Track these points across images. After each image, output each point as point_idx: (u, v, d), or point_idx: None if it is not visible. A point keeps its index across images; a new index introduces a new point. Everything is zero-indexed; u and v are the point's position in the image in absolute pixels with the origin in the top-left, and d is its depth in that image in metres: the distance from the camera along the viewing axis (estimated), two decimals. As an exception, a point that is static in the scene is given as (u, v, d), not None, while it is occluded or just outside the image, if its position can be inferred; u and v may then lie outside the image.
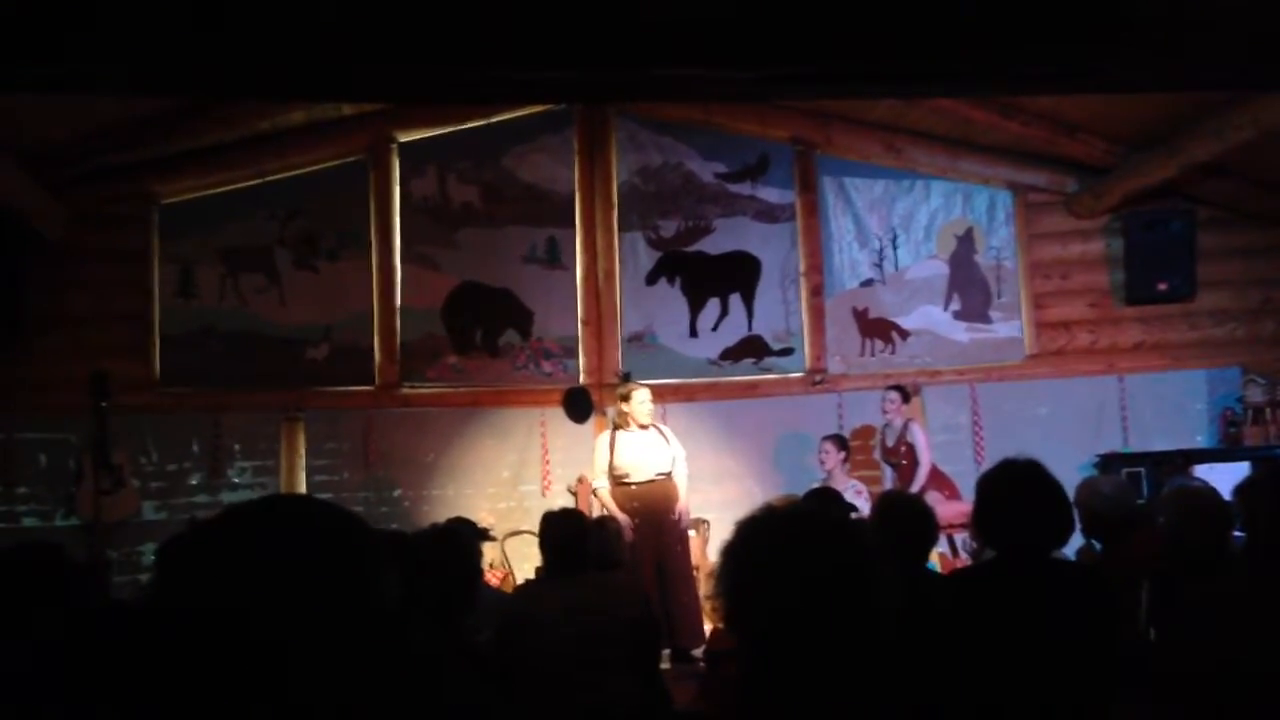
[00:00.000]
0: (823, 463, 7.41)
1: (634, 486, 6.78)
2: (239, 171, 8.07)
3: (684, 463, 6.95)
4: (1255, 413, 7.75)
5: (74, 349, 7.59)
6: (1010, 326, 8.38)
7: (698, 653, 6.30)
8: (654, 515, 6.72)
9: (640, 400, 6.92)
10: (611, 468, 6.83)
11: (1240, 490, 3.28)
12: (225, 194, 8.10)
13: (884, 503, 4.03)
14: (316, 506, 1.19)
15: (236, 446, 7.92)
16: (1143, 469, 7.20)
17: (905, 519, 3.64)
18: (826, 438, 7.53)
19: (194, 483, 7.84)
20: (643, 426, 6.90)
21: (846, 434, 7.98)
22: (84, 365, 7.29)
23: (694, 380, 8.35)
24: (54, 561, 3.36)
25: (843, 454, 7.44)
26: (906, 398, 7.59)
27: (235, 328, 8.06)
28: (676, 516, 6.76)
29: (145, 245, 8.01)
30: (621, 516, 6.79)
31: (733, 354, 8.44)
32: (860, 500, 7.11)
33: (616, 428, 6.97)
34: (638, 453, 6.83)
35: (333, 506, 1.19)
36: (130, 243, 7.98)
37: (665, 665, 6.09)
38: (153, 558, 7.15)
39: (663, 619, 6.48)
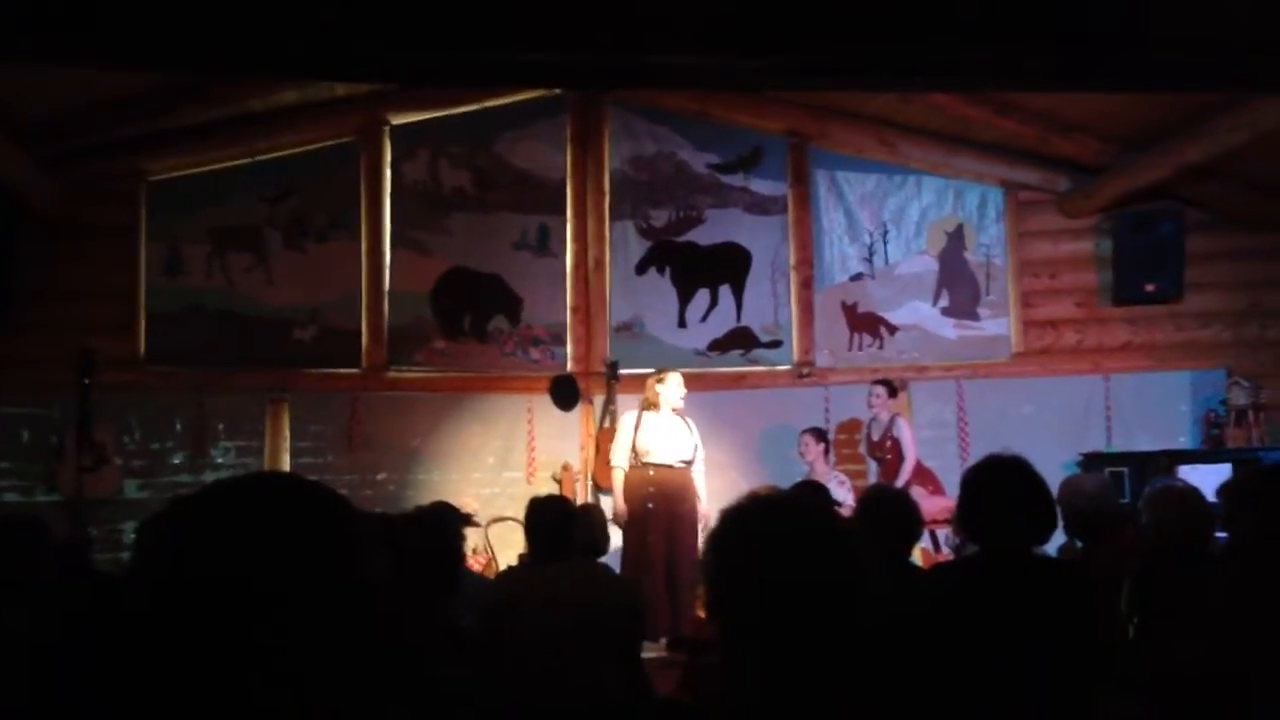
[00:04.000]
0: (803, 455, 7.43)
1: (652, 470, 6.81)
2: (229, 150, 8.02)
3: (702, 460, 7.00)
4: (1238, 415, 7.78)
5: (59, 325, 7.54)
6: (998, 324, 8.40)
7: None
8: (668, 501, 6.75)
9: (674, 384, 6.99)
10: (634, 447, 6.86)
11: (1223, 491, 3.31)
12: (215, 173, 8.05)
13: (870, 497, 4.04)
14: (302, 483, 1.18)
15: (220, 426, 7.89)
16: (1126, 469, 7.23)
17: (890, 513, 3.65)
18: (806, 430, 7.56)
19: (176, 462, 7.81)
20: (674, 411, 6.94)
21: (832, 427, 8.00)
22: (69, 341, 7.26)
23: (682, 370, 8.34)
24: (36, 536, 3.35)
25: (822, 446, 7.47)
26: (893, 392, 7.60)
27: (222, 307, 8.02)
28: (691, 507, 6.77)
29: (133, 222, 7.97)
30: (621, 506, 6.82)
31: (721, 345, 8.44)
32: (844, 492, 7.14)
33: (646, 407, 7.01)
34: (662, 436, 6.88)
35: (318, 485, 1.19)
36: (118, 219, 7.93)
37: (663, 653, 6.12)
38: (134, 535, 7.13)
39: (669, 606, 6.51)
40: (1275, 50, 3.82)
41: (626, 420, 7.10)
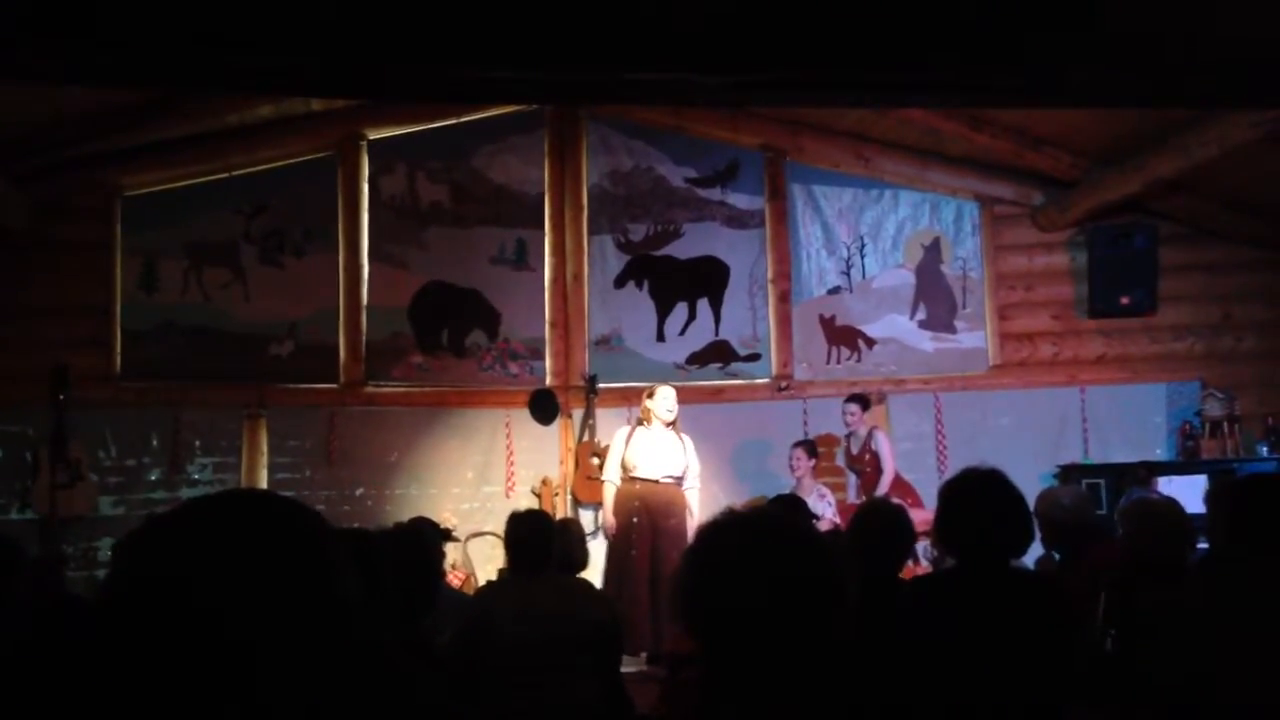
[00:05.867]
0: (793, 469, 7.41)
1: (639, 484, 6.80)
2: (205, 165, 7.99)
3: (696, 477, 6.98)
4: (1213, 426, 7.84)
5: (34, 341, 7.48)
6: (975, 337, 8.44)
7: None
8: (654, 516, 6.73)
9: (662, 397, 6.99)
10: (623, 461, 6.86)
11: (1205, 499, 3.34)
12: (191, 187, 8.01)
13: (864, 510, 4.05)
14: (276, 500, 1.18)
15: (197, 443, 7.82)
16: (1102, 480, 7.27)
17: (883, 527, 3.66)
18: (797, 444, 7.54)
19: (153, 478, 7.74)
20: (667, 425, 6.93)
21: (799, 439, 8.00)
22: (44, 357, 7.20)
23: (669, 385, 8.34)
24: (11, 555, 3.32)
25: (812, 461, 7.46)
26: (866, 405, 7.60)
27: (198, 322, 7.96)
28: (678, 522, 6.74)
29: (108, 237, 7.91)
30: (610, 520, 6.82)
31: (699, 359, 8.45)
32: (824, 505, 7.15)
33: (639, 423, 7.02)
34: (651, 450, 6.88)
35: (292, 501, 1.19)
36: (93, 235, 7.87)
37: (643, 668, 6.10)
38: (109, 553, 7.07)
39: (650, 621, 6.50)
40: (1246, 66, 3.87)
41: (619, 435, 7.12)
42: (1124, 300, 8.06)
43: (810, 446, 7.55)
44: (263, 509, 1.15)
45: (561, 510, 7.84)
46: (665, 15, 3.46)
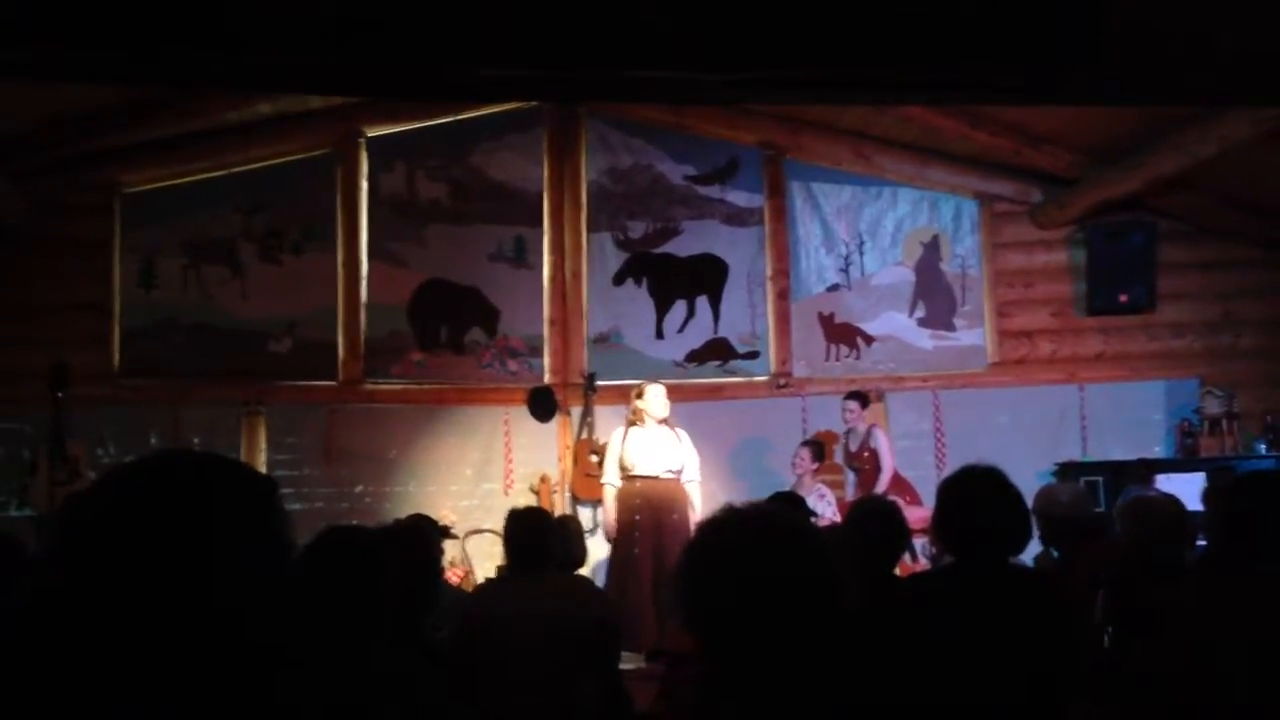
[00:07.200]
0: (795, 467, 7.40)
1: (639, 482, 6.79)
2: (204, 162, 7.99)
3: (696, 470, 6.96)
4: (1212, 424, 7.85)
5: (33, 339, 7.48)
6: (974, 334, 8.44)
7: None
8: (656, 513, 6.72)
9: (654, 395, 6.97)
10: (621, 462, 6.85)
11: (1204, 497, 3.36)
12: (189, 185, 8.02)
13: (859, 507, 4.06)
14: (224, 459, 1.24)
15: (196, 440, 7.81)
16: (1101, 478, 7.28)
17: (877, 525, 3.67)
18: (804, 444, 7.53)
19: (152, 476, 7.73)
20: (660, 422, 6.92)
21: (808, 438, 7.99)
22: (43, 355, 7.20)
23: (660, 382, 8.32)
24: (10, 553, 3.32)
25: (816, 464, 7.43)
26: (865, 403, 7.60)
27: (197, 320, 7.97)
28: (680, 517, 6.73)
29: (107, 235, 7.92)
30: (611, 523, 6.81)
31: (698, 356, 8.45)
32: (824, 504, 7.14)
33: (631, 424, 7.00)
34: (648, 448, 6.87)
35: (242, 464, 1.26)
36: (92, 232, 7.88)
37: (644, 665, 6.10)
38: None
39: (654, 620, 6.49)
40: (1246, 66, 3.87)
41: (614, 437, 7.10)
42: (1123, 298, 8.07)
43: (818, 449, 7.51)
44: (211, 466, 1.20)
45: (560, 507, 7.84)
46: (665, 14, 3.46)
